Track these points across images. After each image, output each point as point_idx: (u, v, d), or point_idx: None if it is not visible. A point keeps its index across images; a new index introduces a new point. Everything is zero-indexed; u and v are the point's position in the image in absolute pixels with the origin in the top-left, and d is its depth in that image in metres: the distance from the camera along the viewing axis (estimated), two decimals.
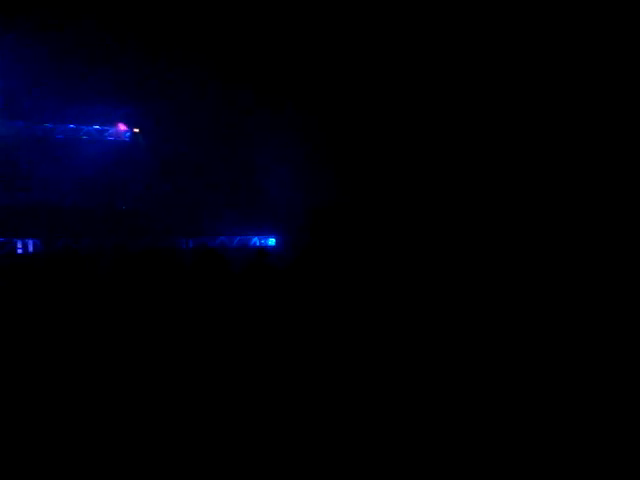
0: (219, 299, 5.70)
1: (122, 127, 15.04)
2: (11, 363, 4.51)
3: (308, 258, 7.35)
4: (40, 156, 13.72)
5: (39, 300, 5.93)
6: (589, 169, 8.61)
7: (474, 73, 10.30)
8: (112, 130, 15.02)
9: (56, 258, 11.20)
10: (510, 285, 6.51)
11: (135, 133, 15.09)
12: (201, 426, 3.55)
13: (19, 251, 13.09)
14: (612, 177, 8.33)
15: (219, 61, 12.67)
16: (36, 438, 3.41)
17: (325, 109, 12.43)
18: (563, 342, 4.71)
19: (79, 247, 12.66)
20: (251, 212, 14.52)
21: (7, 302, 6.11)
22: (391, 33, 11.06)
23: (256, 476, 3.07)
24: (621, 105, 8.39)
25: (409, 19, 10.79)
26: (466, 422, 3.50)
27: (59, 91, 13.06)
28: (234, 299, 5.80)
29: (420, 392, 3.98)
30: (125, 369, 4.38)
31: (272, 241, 15.29)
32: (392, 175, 11.71)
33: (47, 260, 11.80)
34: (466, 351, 4.69)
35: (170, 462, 3.18)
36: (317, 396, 3.94)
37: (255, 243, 15.28)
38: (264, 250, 7.71)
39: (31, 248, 13.22)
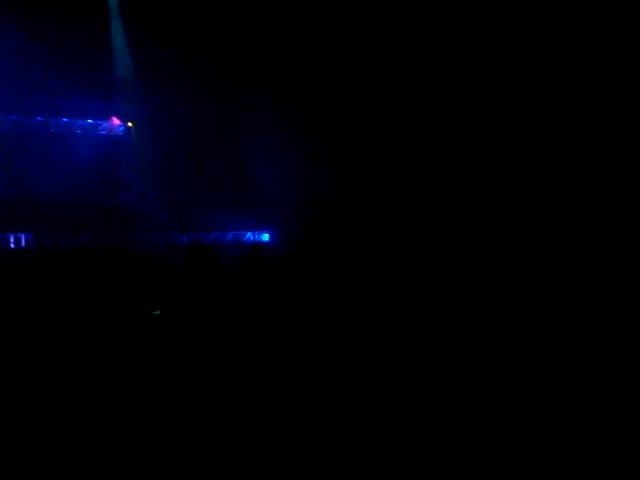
0: (213, 294, 5.69)
1: (116, 121, 14.95)
2: (6, 361, 4.49)
3: (302, 253, 7.34)
4: (33, 150, 13.62)
5: (32, 295, 5.90)
6: (589, 169, 8.63)
7: (472, 69, 10.31)
8: (106, 124, 14.92)
9: (49, 252, 11.14)
10: (509, 280, 6.52)
11: (129, 127, 15.00)
12: (197, 422, 3.55)
13: (11, 246, 13.00)
14: (612, 177, 8.35)
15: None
16: (31, 438, 3.40)
17: (320, 103, 12.40)
18: (563, 342, 4.72)
19: (72, 241, 12.57)
20: (245, 207, 14.45)
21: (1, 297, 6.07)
22: (388, 29, 11.05)
23: (254, 475, 3.07)
24: (621, 105, 8.41)
25: (409, 19, 10.80)
26: (466, 421, 3.51)
27: (52, 85, 12.96)
28: (228, 294, 5.79)
29: (417, 388, 3.98)
30: (120, 366, 4.37)
31: (266, 236, 15.25)
32: (387, 169, 11.71)
33: (40, 255, 11.73)
34: (464, 347, 4.70)
35: (165, 459, 3.18)
36: (314, 392, 3.94)
37: (249, 238, 15.22)
38: (258, 245, 7.70)
39: (24, 243, 13.14)
